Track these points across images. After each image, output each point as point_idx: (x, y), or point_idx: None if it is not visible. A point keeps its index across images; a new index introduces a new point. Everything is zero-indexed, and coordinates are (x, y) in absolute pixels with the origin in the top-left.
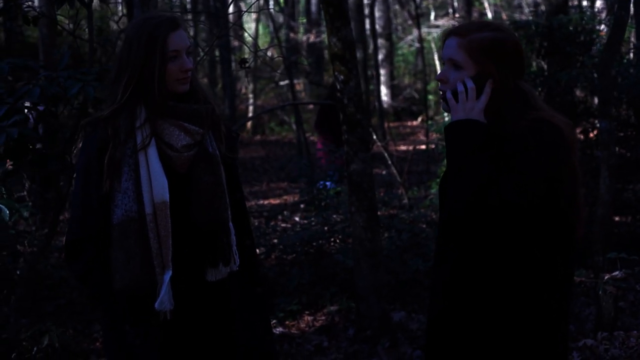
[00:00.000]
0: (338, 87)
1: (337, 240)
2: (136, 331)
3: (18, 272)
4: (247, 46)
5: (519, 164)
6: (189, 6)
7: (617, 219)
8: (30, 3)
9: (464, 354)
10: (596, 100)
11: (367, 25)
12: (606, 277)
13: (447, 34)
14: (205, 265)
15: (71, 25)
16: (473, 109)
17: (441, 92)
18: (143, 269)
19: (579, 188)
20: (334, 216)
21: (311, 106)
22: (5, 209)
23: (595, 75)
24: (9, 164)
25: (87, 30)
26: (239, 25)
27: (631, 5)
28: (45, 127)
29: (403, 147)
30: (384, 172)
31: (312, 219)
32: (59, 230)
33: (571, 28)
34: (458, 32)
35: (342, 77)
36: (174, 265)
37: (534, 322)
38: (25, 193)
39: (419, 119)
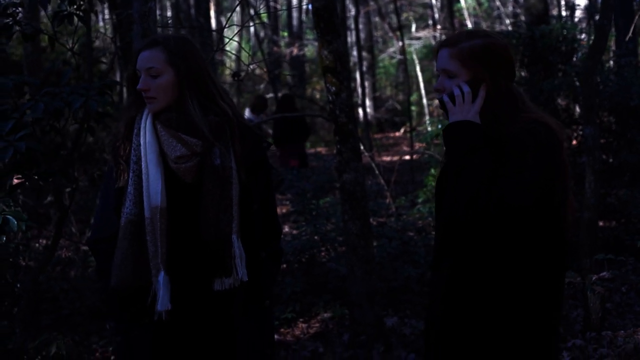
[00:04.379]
0: (330, 98)
1: (329, 249)
2: (128, 329)
3: (18, 285)
4: (239, 57)
5: (518, 165)
6: (169, 21)
7: (601, 223)
8: (28, 20)
9: (464, 355)
10: (578, 108)
11: (348, 38)
12: (594, 278)
13: (439, 46)
14: (211, 274)
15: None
16: (470, 111)
17: (439, 100)
18: (135, 271)
19: (569, 185)
20: (326, 225)
21: None
22: (14, 220)
23: (578, 83)
24: (16, 178)
25: (69, 46)
26: (222, 37)
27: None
28: (48, 142)
29: (386, 158)
30: (369, 182)
31: (304, 228)
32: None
33: (552, 38)
34: (449, 43)
35: (333, 88)
36: (178, 271)
37: (533, 321)
38: (19, 208)
39: (402, 130)
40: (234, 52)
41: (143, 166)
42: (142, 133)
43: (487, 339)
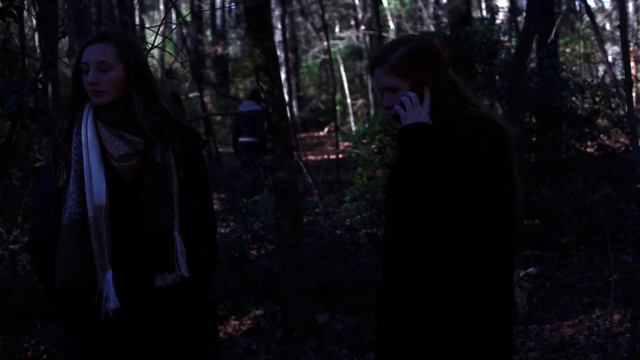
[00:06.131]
0: (262, 96)
1: (259, 247)
2: (75, 329)
3: None
4: (169, 53)
5: (472, 160)
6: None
7: (525, 222)
8: None
9: (419, 349)
10: (501, 108)
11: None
12: (521, 274)
13: (371, 68)
14: (153, 271)
15: None
16: (420, 113)
17: (392, 116)
18: (81, 270)
19: (517, 181)
20: (256, 223)
21: (219, 117)
22: None
23: (501, 83)
24: None
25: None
26: (157, 34)
27: None
28: None
29: (312, 157)
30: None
31: (234, 226)
32: None
33: (477, 39)
34: (378, 62)
35: (266, 87)
36: (120, 269)
37: (488, 314)
38: None
39: (326, 130)
40: (160, 48)
41: (85, 165)
42: (82, 132)
43: (442, 331)
